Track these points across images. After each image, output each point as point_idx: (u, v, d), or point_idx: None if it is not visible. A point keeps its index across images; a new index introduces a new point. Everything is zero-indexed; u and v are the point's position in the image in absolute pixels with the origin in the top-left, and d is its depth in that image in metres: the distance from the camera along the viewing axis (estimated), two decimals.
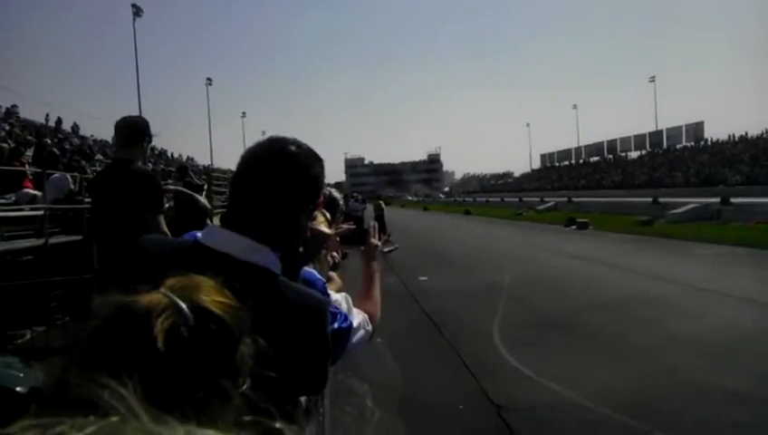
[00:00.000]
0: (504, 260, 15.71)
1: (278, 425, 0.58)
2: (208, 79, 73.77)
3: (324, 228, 2.23)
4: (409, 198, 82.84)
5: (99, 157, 21.85)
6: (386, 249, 2.11)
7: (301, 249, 1.49)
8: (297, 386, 1.19)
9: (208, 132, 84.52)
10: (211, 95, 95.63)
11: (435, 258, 17.55)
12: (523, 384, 5.77)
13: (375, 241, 2.16)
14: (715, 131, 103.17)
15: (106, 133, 36.81)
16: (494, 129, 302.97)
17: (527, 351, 6.79)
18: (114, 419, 0.46)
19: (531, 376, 5.95)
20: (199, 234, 1.36)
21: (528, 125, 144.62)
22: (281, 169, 1.35)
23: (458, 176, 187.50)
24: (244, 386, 0.68)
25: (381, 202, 26.14)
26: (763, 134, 73.36)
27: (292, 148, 1.39)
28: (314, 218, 1.54)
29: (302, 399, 1.47)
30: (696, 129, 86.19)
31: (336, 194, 3.53)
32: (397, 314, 8.66)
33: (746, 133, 76.96)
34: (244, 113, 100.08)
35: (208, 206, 6.88)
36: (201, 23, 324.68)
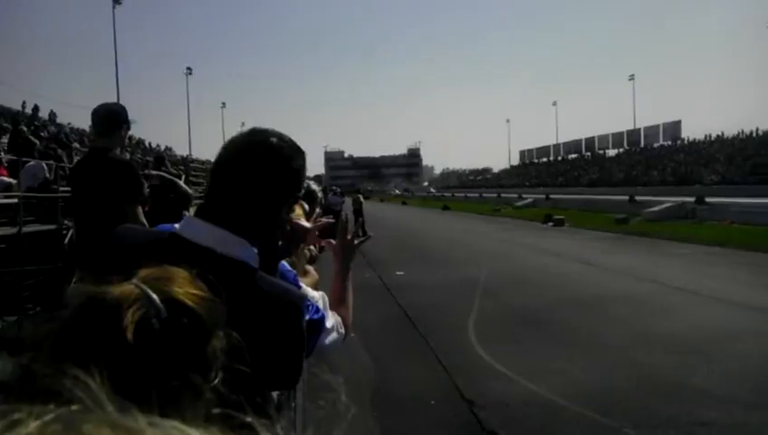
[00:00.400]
0: (480, 256, 15.79)
1: (249, 419, 0.58)
2: (188, 68, 73.02)
3: (303, 222, 2.21)
4: (400, 191, 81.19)
5: (75, 145, 21.54)
6: (356, 241, 2.08)
7: (280, 243, 1.48)
8: (271, 380, 1.19)
9: (187, 122, 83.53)
10: (191, 85, 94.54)
11: (412, 253, 17.58)
12: (496, 380, 5.81)
13: (355, 240, 2.06)
14: (692, 131, 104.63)
15: (83, 122, 36.39)
16: (474, 124, 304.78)
17: (501, 347, 6.84)
18: (75, 407, 0.46)
19: (504, 372, 5.99)
20: (177, 225, 1.35)
21: (508, 121, 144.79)
22: (262, 160, 1.34)
23: (438, 171, 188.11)
24: (216, 380, 0.67)
25: (360, 196, 26.17)
26: (738, 134, 74.49)
27: (274, 140, 1.37)
28: (293, 210, 1.52)
29: (275, 393, 1.46)
30: (674, 128, 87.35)
31: (315, 187, 3.52)
32: (372, 309, 8.68)
33: (722, 133, 78.15)
34: (223, 104, 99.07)
35: (189, 190, 6.81)
36: (182, 12, 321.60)
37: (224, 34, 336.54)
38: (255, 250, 1.31)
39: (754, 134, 72.18)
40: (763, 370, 5.89)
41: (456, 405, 5.27)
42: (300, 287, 1.55)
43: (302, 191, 1.48)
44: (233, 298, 0.75)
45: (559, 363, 6.30)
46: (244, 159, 1.34)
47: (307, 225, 2.26)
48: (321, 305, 1.63)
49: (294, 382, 1.44)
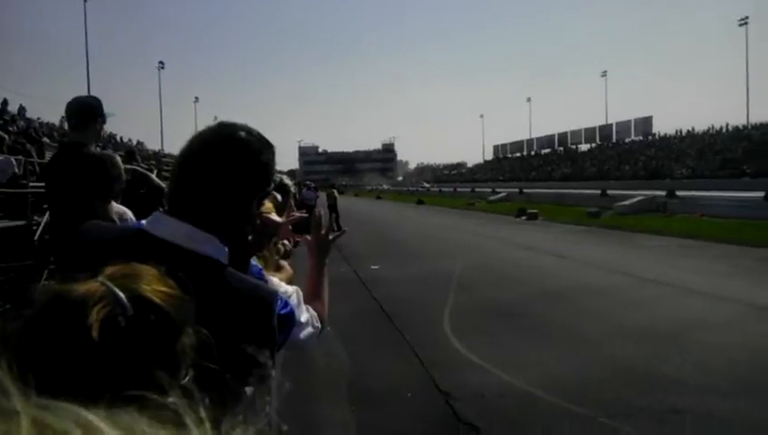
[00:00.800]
0: (455, 249, 15.86)
1: (219, 417, 0.57)
2: (160, 63, 72.41)
3: (274, 216, 2.19)
4: (387, 186, 79.95)
5: (45, 140, 21.20)
6: (331, 236, 2.07)
7: (250, 238, 1.46)
8: (243, 378, 1.17)
9: (159, 117, 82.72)
10: (163, 79, 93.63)
11: (387, 247, 17.60)
12: (471, 372, 5.84)
13: (330, 235, 2.06)
14: (663, 126, 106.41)
15: (54, 116, 35.87)
16: (448, 120, 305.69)
17: (476, 339, 6.87)
18: None
19: (480, 364, 6.02)
20: (144, 221, 1.33)
21: (482, 117, 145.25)
22: (230, 155, 1.31)
23: (412, 166, 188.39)
24: (186, 378, 0.66)
25: (334, 191, 26.13)
26: (709, 130, 75.83)
27: (242, 133, 1.35)
28: (263, 205, 1.50)
29: (249, 390, 1.45)
30: (645, 123, 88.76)
31: (287, 181, 3.50)
32: (347, 303, 8.67)
33: (693, 128, 79.53)
34: (196, 98, 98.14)
35: (162, 184, 6.72)
36: (155, 5, 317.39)
37: (197, 28, 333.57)
38: (225, 246, 1.29)
39: (724, 129, 73.60)
40: (734, 359, 5.99)
41: (432, 397, 5.28)
42: (266, 281, 1.53)
43: (272, 185, 1.46)
44: (202, 296, 0.74)
45: (534, 355, 6.36)
46: (212, 153, 1.32)
47: (279, 219, 2.24)
48: (295, 300, 1.62)
49: (267, 379, 1.42)
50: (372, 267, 13.16)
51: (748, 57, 74.37)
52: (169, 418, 0.52)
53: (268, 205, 1.99)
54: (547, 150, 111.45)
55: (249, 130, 1.37)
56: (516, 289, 10.09)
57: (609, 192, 33.03)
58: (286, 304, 1.53)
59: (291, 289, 1.72)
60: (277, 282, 1.65)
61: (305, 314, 1.63)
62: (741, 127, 71.29)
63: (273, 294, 1.30)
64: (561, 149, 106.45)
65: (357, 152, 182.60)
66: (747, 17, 73.76)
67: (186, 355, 0.67)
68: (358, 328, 7.71)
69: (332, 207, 23.29)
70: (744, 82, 73.88)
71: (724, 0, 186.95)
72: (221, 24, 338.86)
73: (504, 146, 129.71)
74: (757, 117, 75.58)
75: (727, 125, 73.95)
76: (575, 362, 6.09)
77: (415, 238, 20.50)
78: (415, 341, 6.96)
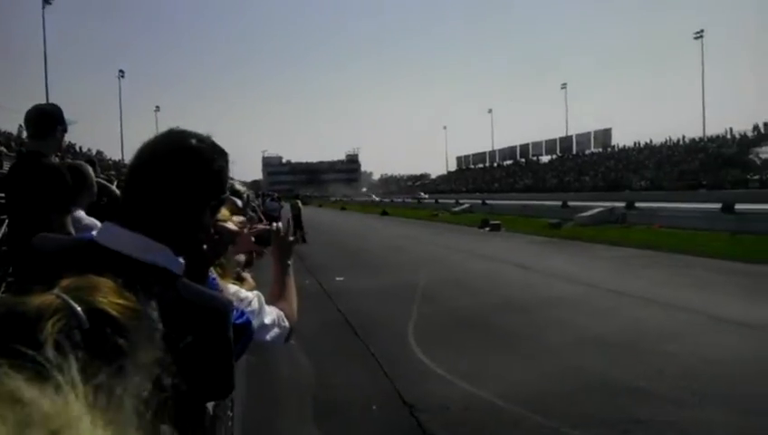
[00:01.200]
0: (419, 261, 15.90)
1: (178, 432, 0.56)
2: (121, 71, 71.60)
3: (231, 224, 2.16)
4: (378, 198, 78.86)
5: (2, 149, 20.75)
6: (291, 238, 2.08)
7: (205, 247, 1.43)
8: (202, 392, 1.15)
9: (119, 126, 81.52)
10: (123, 88, 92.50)
11: (352, 259, 17.57)
12: (436, 384, 5.84)
13: (289, 237, 2.10)
14: (622, 138, 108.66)
15: (11, 125, 35.18)
16: (412, 131, 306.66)
17: (441, 351, 6.89)
18: None
19: (444, 376, 6.03)
20: (94, 232, 1.29)
21: (445, 128, 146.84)
22: (181, 163, 1.29)
23: (376, 176, 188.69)
24: (144, 393, 0.64)
25: (298, 201, 26.04)
26: (666, 142, 77.67)
27: (193, 141, 1.32)
28: (218, 212, 1.48)
29: (210, 405, 1.42)
30: (604, 135, 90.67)
31: (239, 187, 3.45)
32: (312, 315, 8.62)
33: (651, 141, 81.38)
34: (157, 107, 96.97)
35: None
36: (115, 13, 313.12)
37: (158, 37, 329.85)
38: (180, 256, 1.26)
39: (681, 142, 75.46)
40: (693, 368, 6.09)
41: (397, 410, 5.27)
42: (220, 290, 1.51)
43: (227, 193, 1.44)
44: (156, 308, 0.72)
45: (498, 366, 6.39)
46: (162, 161, 1.29)
47: (235, 228, 2.21)
48: (256, 305, 1.60)
49: (227, 392, 1.39)
50: (337, 279, 13.11)
51: (704, 70, 76.62)
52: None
53: (224, 212, 1.96)
54: (509, 162, 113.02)
55: (200, 138, 1.35)
56: (480, 300, 10.15)
57: (569, 203, 33.48)
58: (242, 313, 1.51)
59: (251, 294, 1.69)
60: (235, 289, 1.63)
61: (269, 316, 1.61)
62: (697, 139, 73.24)
63: (228, 305, 1.27)
64: (523, 160, 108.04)
65: (321, 163, 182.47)
66: (702, 31, 76.04)
67: (143, 370, 0.66)
68: (322, 340, 7.67)
69: (296, 217, 23.18)
70: (701, 95, 76.02)
71: (680, 14, 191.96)
72: (183, 32, 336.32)
73: (467, 157, 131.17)
74: (713, 129, 77.81)
75: (684, 137, 75.90)
76: (539, 373, 6.13)
77: (379, 249, 20.50)
78: (380, 353, 6.95)
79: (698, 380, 5.74)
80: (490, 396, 5.40)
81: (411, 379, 6.03)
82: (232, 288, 1.63)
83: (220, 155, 1.37)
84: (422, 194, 63.85)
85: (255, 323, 1.55)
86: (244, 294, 1.61)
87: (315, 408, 5.39)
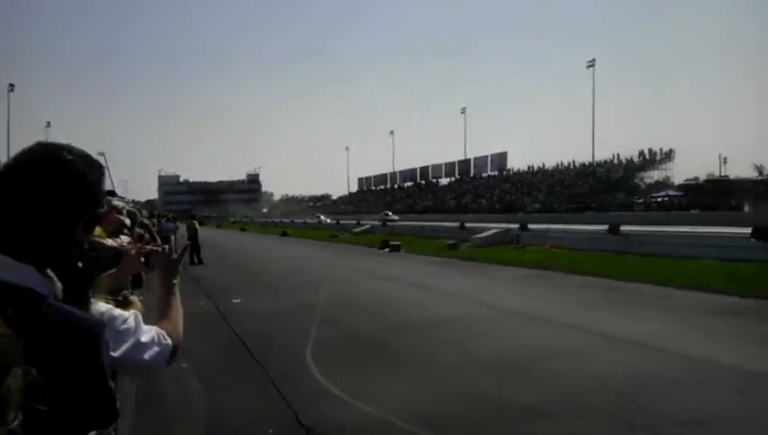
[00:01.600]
0: (319, 281, 15.83)
1: None
2: (11, 85, 67.90)
3: (108, 241, 2.09)
4: (324, 218, 76.18)
5: None
6: (175, 255, 2.04)
7: (80, 264, 1.38)
8: (80, 421, 1.10)
9: (6, 143, 76.84)
10: (13, 102, 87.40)
11: (250, 280, 17.28)
12: (333, 405, 5.81)
13: (173, 255, 2.02)
14: (517, 162, 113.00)
15: None
16: (314, 151, 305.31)
17: (339, 371, 6.87)
18: None
19: (341, 396, 6.01)
20: None
21: (347, 149, 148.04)
22: (49, 177, 1.24)
23: (277, 197, 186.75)
24: (15, 422, 0.63)
25: (195, 222, 25.28)
26: (558, 166, 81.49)
27: (64, 153, 1.28)
28: (94, 228, 1.42)
29: (92, 433, 1.35)
30: (501, 159, 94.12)
31: (117, 203, 3.35)
32: (206, 338, 8.42)
33: (543, 164, 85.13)
34: (48, 123, 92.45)
35: None
36: (4, 23, 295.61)
37: (49, 50, 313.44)
38: (50, 275, 1.20)
39: (572, 166, 79.39)
40: (586, 384, 6.33)
41: (293, 432, 5.19)
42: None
43: (103, 207, 1.40)
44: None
45: (395, 386, 6.44)
46: (28, 175, 1.24)
47: (112, 243, 2.14)
48: (132, 323, 1.54)
49: (110, 421, 1.32)
50: (234, 301, 12.85)
51: (594, 98, 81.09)
52: None
53: (98, 230, 1.88)
54: (410, 183, 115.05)
55: (71, 150, 1.31)
56: (379, 320, 10.22)
57: (467, 225, 34.29)
58: (117, 332, 1.45)
59: (128, 313, 1.63)
60: (107, 307, 1.56)
61: (147, 335, 1.55)
62: (587, 164, 77.26)
63: (99, 325, 1.22)
64: (423, 182, 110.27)
65: (220, 182, 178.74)
66: (594, 60, 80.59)
67: (12, 397, 0.64)
68: (217, 364, 7.49)
69: (193, 238, 22.54)
70: (591, 121, 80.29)
71: (574, 44, 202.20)
72: (74, 44, 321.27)
73: (368, 178, 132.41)
74: (602, 154, 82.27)
75: (574, 162, 79.93)
76: (436, 392, 6.21)
77: (278, 270, 20.25)
78: (277, 375, 6.85)
79: (591, 396, 5.93)
80: (387, 416, 5.42)
81: (308, 401, 5.97)
82: (103, 307, 1.56)
83: (93, 168, 1.33)
84: (390, 214, 63.36)
85: (131, 341, 1.50)
86: (117, 313, 1.53)
87: (209, 433, 5.25)
